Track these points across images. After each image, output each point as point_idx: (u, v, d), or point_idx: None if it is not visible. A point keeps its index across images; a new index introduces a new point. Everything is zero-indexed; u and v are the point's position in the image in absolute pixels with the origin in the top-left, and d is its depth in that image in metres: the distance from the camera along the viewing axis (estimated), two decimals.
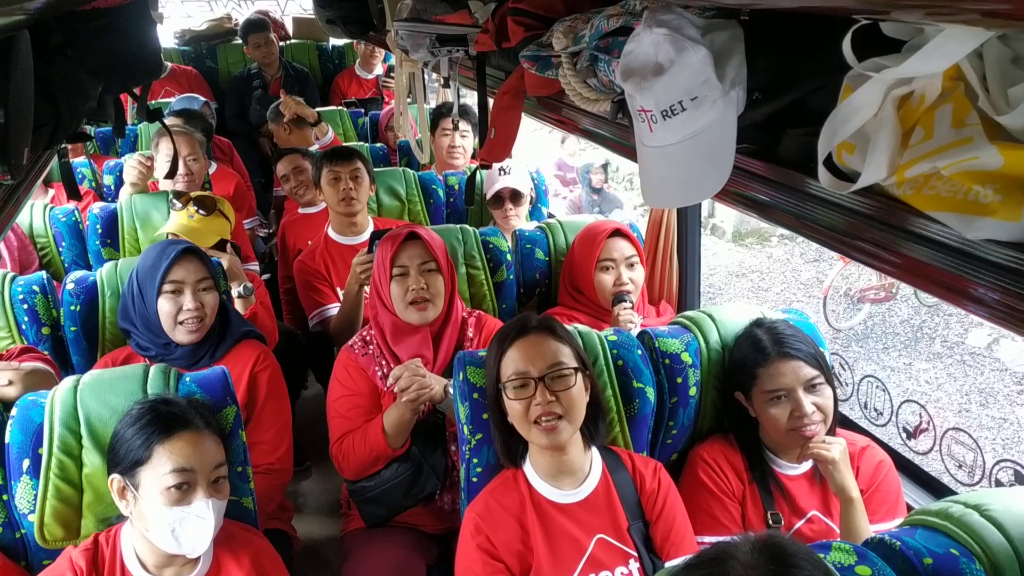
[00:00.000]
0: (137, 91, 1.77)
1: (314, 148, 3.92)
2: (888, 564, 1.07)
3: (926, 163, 0.72)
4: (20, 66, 0.83)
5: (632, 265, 2.31)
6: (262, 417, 2.05)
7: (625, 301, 2.24)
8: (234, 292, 2.44)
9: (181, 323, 2.01)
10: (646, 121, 0.98)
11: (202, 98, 4.32)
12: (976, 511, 1.16)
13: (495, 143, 1.74)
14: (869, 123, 0.77)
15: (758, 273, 7.73)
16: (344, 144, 3.77)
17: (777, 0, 0.79)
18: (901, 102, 0.75)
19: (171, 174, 2.33)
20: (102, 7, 1.30)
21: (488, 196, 3.02)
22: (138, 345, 2.07)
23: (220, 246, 2.65)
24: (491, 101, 1.89)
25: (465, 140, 3.51)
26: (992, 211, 0.67)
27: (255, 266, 3.23)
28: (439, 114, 3.50)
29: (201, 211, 2.64)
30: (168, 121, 3.29)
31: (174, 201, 2.66)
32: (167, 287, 2.00)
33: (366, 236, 2.81)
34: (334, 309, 2.71)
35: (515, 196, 3.00)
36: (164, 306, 2.00)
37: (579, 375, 1.56)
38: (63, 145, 1.43)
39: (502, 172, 2.99)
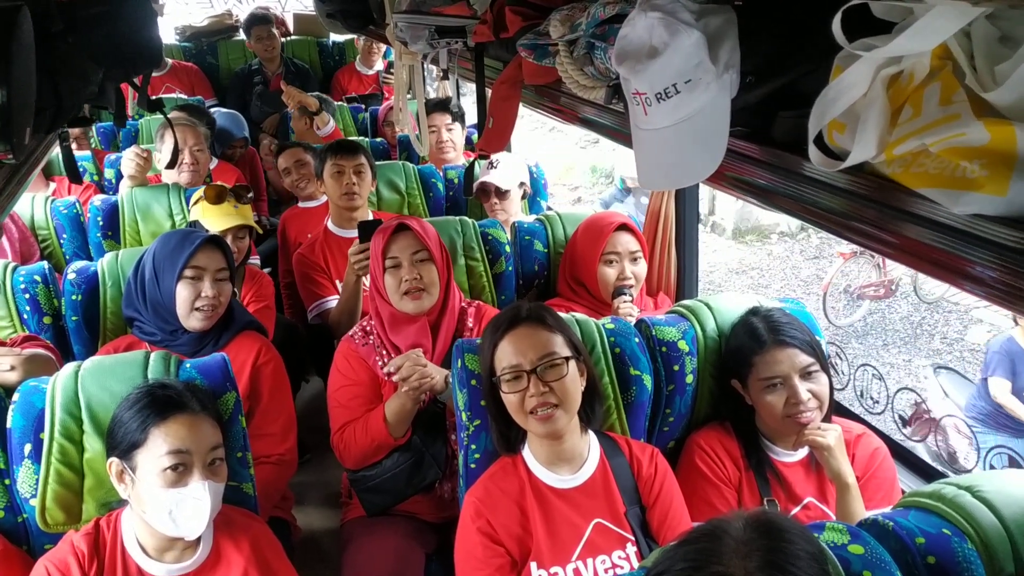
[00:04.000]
0: (138, 81, 1.78)
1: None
2: (881, 543, 1.08)
3: (914, 140, 0.73)
4: (22, 46, 0.84)
5: (636, 260, 2.33)
6: (269, 409, 2.07)
7: (624, 295, 2.26)
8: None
9: (197, 309, 2.02)
10: (641, 104, 0.99)
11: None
12: (968, 492, 1.17)
13: (493, 132, 1.75)
14: (859, 102, 0.78)
15: (758, 270, 7.73)
16: (348, 138, 3.78)
17: None
18: (891, 81, 0.76)
19: (172, 164, 2.34)
20: None
21: (474, 188, 3.02)
22: (142, 331, 2.08)
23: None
24: (489, 92, 1.90)
25: (452, 134, 3.52)
26: (979, 186, 0.68)
27: (256, 260, 3.24)
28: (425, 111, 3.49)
29: (239, 202, 2.69)
30: (172, 115, 3.31)
31: (204, 202, 2.68)
32: (188, 272, 2.02)
33: None
34: (332, 302, 2.72)
35: (499, 192, 3.01)
36: (183, 291, 2.01)
37: (571, 363, 1.57)
38: (64, 129, 1.44)
39: (491, 166, 3.00)
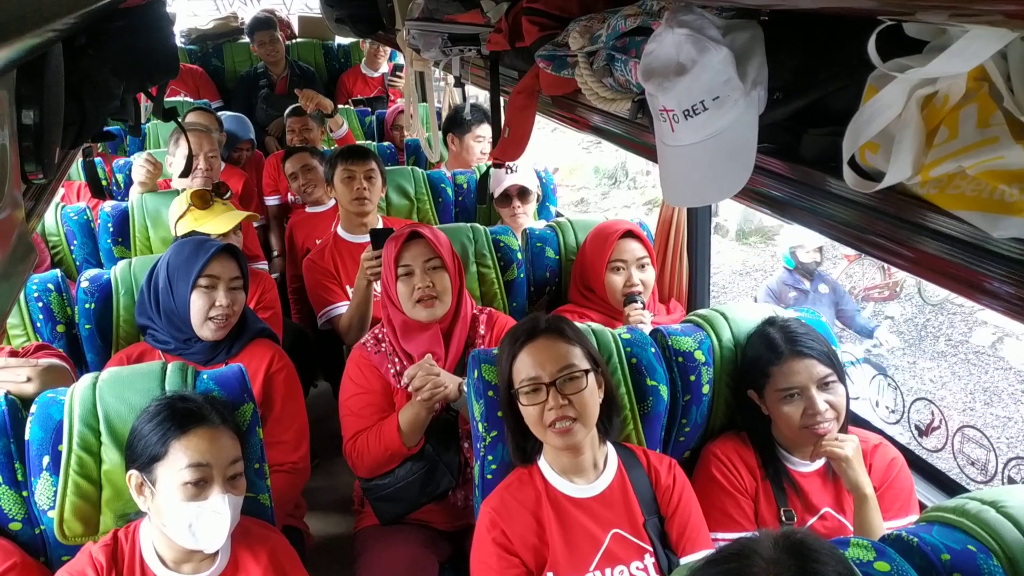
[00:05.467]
0: (153, 91, 1.78)
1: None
2: (906, 560, 1.08)
3: (951, 162, 0.73)
4: (53, 66, 0.83)
5: (643, 266, 2.33)
6: (282, 417, 2.07)
7: (636, 302, 2.26)
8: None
9: (211, 318, 2.02)
10: (668, 121, 0.98)
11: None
12: (992, 507, 1.17)
13: (509, 142, 1.75)
14: (893, 123, 0.78)
15: (762, 272, 7.72)
16: (358, 143, 3.77)
17: (797, 1, 0.79)
18: (925, 102, 0.76)
19: (186, 173, 2.33)
20: (122, 8, 1.31)
21: (496, 194, 3.03)
22: (155, 339, 2.08)
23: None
24: (502, 100, 1.90)
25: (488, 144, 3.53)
26: (1018, 210, 0.68)
27: (263, 264, 3.24)
28: (467, 120, 3.47)
29: (198, 206, 2.58)
30: (184, 120, 3.30)
31: (194, 210, 2.56)
32: (203, 281, 2.01)
33: None
34: (342, 307, 2.72)
35: (522, 194, 3.00)
36: (197, 300, 2.01)
37: (590, 376, 1.57)
38: (87, 144, 1.44)
39: (509, 170, 3.00)
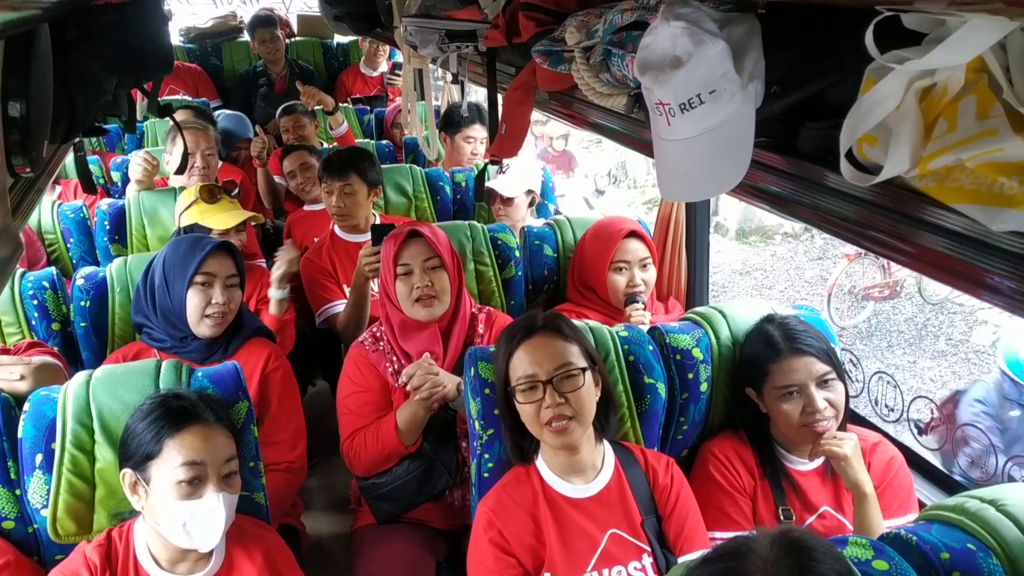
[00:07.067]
0: (147, 87, 1.77)
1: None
2: (905, 559, 1.07)
3: (950, 155, 0.72)
4: (40, 59, 0.83)
5: (645, 266, 2.31)
6: (279, 416, 2.06)
7: (637, 302, 2.25)
8: (274, 294, 2.50)
9: (207, 316, 2.01)
10: (664, 115, 0.98)
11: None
12: (992, 506, 1.16)
13: (506, 139, 1.74)
14: (891, 115, 0.77)
15: (762, 271, 7.71)
16: (346, 148, 3.73)
17: None
18: (923, 94, 0.75)
19: (181, 170, 2.32)
20: (115, 2, 1.30)
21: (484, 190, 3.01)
22: (151, 338, 2.07)
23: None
24: (499, 97, 1.89)
25: (482, 146, 3.52)
26: (1017, 203, 0.67)
27: (261, 262, 3.23)
28: (462, 119, 3.46)
29: (206, 200, 2.61)
30: (181, 117, 3.29)
31: (200, 203, 2.60)
32: (199, 279, 2.01)
33: None
34: (340, 306, 2.71)
35: (504, 198, 3.00)
36: (193, 298, 2.00)
37: (587, 374, 1.56)
38: (79, 139, 1.43)
39: (500, 170, 2.99)
